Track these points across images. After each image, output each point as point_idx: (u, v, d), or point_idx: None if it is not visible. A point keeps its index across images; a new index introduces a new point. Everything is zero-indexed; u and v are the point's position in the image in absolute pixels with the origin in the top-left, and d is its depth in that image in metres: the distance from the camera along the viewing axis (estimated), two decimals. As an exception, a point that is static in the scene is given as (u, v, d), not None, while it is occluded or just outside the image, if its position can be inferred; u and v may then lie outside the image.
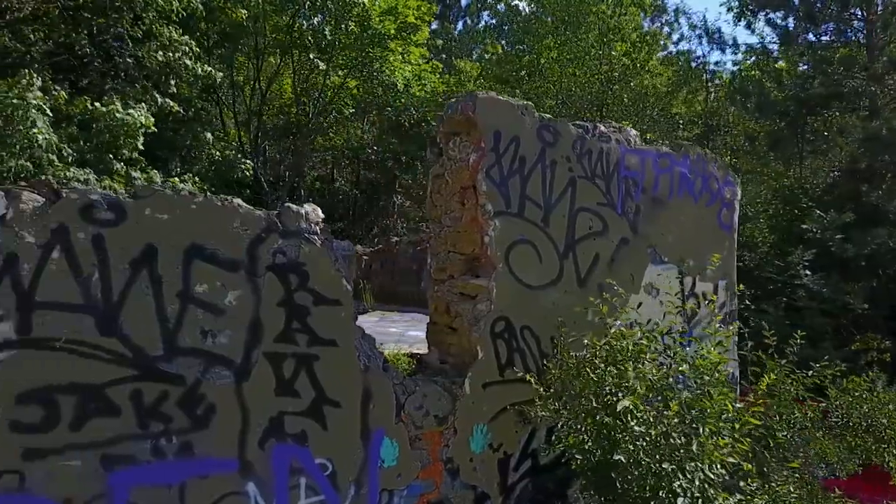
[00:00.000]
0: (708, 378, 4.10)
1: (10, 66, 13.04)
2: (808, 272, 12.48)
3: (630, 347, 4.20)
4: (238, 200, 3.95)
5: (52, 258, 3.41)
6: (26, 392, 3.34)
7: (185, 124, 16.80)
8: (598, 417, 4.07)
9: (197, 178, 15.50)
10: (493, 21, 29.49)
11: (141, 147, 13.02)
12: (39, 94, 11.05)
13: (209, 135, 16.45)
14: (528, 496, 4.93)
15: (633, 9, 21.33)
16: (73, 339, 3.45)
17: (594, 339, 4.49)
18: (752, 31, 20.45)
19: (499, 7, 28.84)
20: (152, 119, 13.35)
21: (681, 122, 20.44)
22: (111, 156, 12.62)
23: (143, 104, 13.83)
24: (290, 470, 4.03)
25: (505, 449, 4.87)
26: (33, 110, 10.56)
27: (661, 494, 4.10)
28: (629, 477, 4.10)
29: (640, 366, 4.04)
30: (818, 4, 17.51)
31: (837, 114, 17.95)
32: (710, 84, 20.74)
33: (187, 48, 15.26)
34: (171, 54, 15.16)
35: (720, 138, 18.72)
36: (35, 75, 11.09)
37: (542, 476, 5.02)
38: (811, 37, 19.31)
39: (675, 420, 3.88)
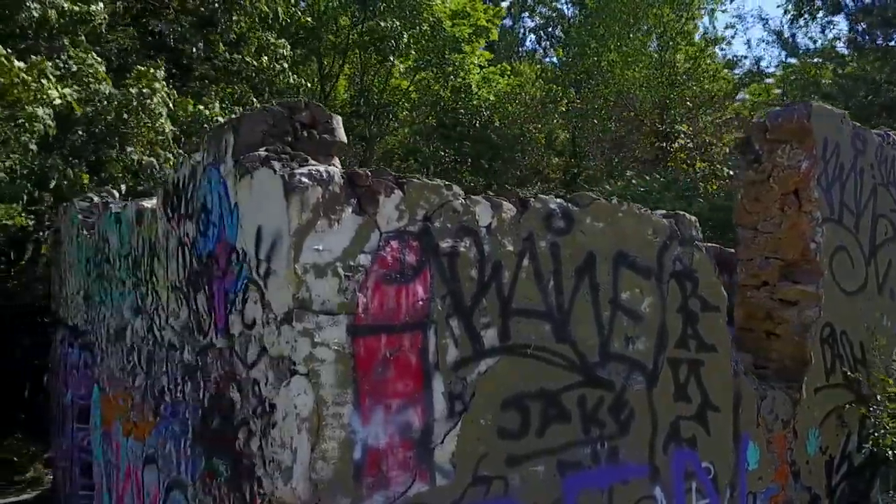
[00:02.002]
0: None
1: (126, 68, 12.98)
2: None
3: None
4: (645, 208, 4.00)
5: (522, 266, 3.45)
6: (507, 399, 3.38)
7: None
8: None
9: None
10: (534, 23, 29.66)
11: None
12: (163, 83, 11.03)
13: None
14: (845, 498, 5.02)
15: (698, 12, 21.56)
16: (539, 346, 3.49)
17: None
18: (822, 34, 20.55)
19: (540, 10, 28.97)
20: None
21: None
22: None
23: (238, 108, 13.80)
24: (685, 474, 4.09)
25: (830, 452, 4.95)
26: (158, 99, 10.55)
27: None
28: None
29: None
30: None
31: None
32: (785, 87, 20.91)
33: (284, 52, 15.24)
34: (265, 59, 15.13)
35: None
36: (160, 66, 11.07)
37: (855, 478, 5.10)
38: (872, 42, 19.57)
39: None
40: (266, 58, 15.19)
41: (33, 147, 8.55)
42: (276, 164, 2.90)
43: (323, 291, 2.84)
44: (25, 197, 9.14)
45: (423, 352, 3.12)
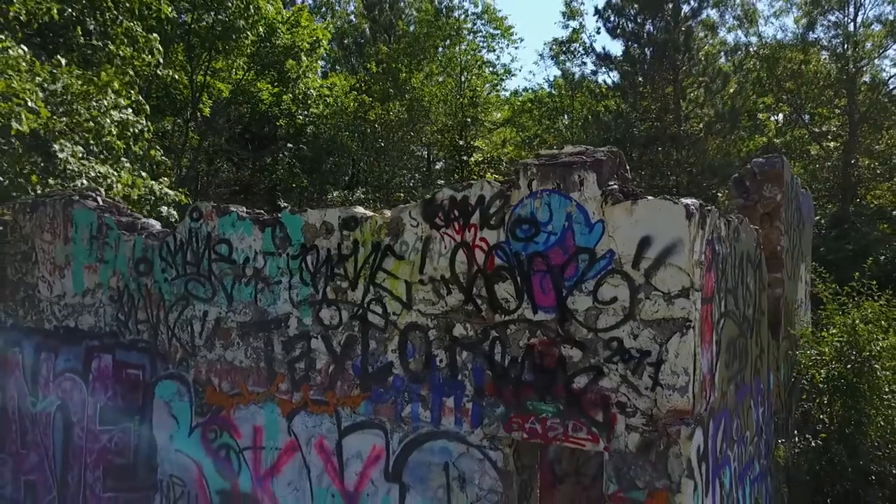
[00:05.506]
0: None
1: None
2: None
3: None
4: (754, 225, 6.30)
5: (728, 261, 5.51)
6: (727, 342, 5.42)
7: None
8: None
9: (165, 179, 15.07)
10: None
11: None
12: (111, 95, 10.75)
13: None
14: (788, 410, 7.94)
15: (495, 46, 25.01)
16: (734, 312, 5.59)
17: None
18: (593, 74, 25.24)
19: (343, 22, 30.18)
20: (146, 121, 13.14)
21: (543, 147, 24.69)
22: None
23: (114, 94, 13.33)
24: (761, 391, 6.51)
25: (786, 378, 7.82)
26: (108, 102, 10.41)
27: None
28: None
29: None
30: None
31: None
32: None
33: (156, 45, 14.77)
34: (129, 49, 14.59)
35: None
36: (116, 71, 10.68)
37: (791, 395, 8.07)
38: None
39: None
40: (131, 49, 14.63)
41: None
42: (669, 196, 4.57)
43: (697, 277, 4.60)
44: None
45: (712, 315, 5.02)
